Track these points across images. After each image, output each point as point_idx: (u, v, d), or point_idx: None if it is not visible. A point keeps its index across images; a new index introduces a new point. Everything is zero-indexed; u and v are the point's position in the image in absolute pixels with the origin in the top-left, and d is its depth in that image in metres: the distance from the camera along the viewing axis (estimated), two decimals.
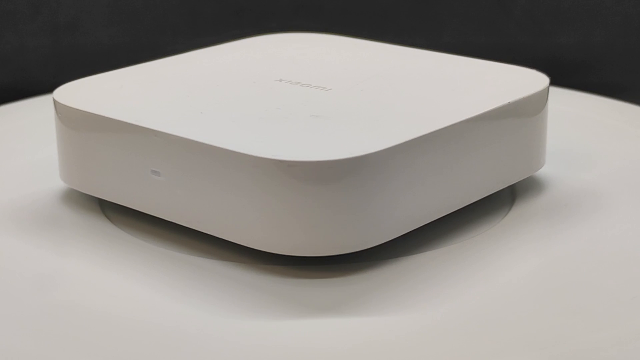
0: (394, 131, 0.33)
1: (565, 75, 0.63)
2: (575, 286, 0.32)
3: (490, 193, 0.36)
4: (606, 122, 0.46)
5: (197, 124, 0.34)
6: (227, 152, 0.31)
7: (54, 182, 0.39)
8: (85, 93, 0.37)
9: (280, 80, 0.38)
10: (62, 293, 0.32)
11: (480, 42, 0.63)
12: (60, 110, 0.36)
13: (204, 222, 0.33)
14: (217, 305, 0.31)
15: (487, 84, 0.38)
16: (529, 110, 0.36)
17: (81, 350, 0.29)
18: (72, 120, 0.36)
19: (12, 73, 0.63)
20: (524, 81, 0.38)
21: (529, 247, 0.35)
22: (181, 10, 0.63)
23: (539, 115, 0.37)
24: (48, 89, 0.53)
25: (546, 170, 0.39)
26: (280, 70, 0.40)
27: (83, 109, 0.35)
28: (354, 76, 0.39)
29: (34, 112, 0.48)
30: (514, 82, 0.38)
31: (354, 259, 0.33)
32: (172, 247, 0.34)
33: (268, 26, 0.60)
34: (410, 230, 0.33)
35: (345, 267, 0.33)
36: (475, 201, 0.36)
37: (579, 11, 0.63)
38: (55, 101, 0.37)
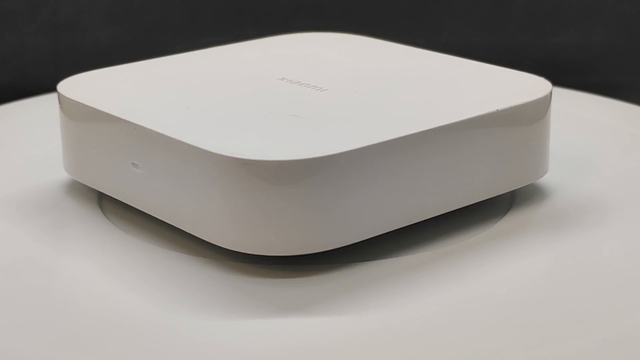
0: (368, 133, 0.33)
1: (565, 75, 0.63)
2: (554, 297, 0.32)
3: (481, 200, 0.35)
4: (606, 122, 0.46)
5: (175, 119, 0.34)
6: (192, 147, 0.32)
7: (52, 178, 0.39)
8: (86, 86, 0.38)
9: (282, 79, 0.38)
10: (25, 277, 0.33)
11: (480, 42, 0.63)
12: (62, 101, 0.37)
13: (176, 217, 0.34)
14: (178, 301, 0.31)
15: (486, 89, 0.37)
16: (526, 117, 0.36)
17: (29, 334, 0.30)
18: (70, 112, 0.37)
19: (12, 73, 0.63)
20: (524, 88, 0.37)
21: (511, 256, 0.34)
22: (181, 10, 0.63)
23: (540, 122, 0.36)
24: (48, 88, 0.53)
25: (546, 175, 0.39)
26: (286, 69, 0.40)
27: (79, 101, 0.36)
28: (358, 77, 0.38)
29: (34, 112, 0.48)
30: (512, 89, 0.37)
31: (335, 259, 0.33)
32: (159, 243, 0.35)
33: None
34: (381, 233, 0.33)
35: (319, 268, 0.33)
36: (469, 206, 0.35)
37: (579, 11, 0.63)
38: (58, 93, 0.37)
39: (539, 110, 0.36)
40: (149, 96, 0.37)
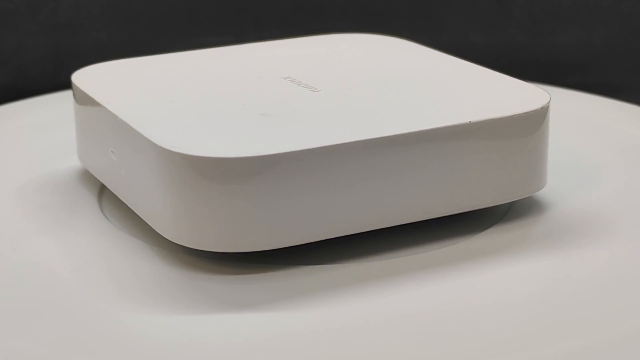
0: (328, 134, 0.32)
1: (565, 75, 0.63)
2: (498, 311, 0.31)
3: (464, 211, 0.35)
4: (606, 122, 0.46)
5: (151, 112, 0.35)
6: (145, 139, 0.32)
7: (53, 178, 0.39)
8: (95, 76, 0.39)
9: (286, 78, 0.38)
10: None
11: (480, 41, 0.63)
12: (74, 89, 0.39)
13: (137, 207, 0.34)
14: (124, 293, 0.32)
15: (479, 98, 0.36)
16: (516, 129, 0.35)
17: None
18: (78, 99, 0.38)
19: (11, 73, 0.63)
20: (519, 99, 0.36)
21: (469, 268, 0.33)
22: (181, 10, 0.63)
23: (533, 135, 0.35)
24: (47, 88, 0.53)
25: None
26: (299, 69, 0.39)
27: (82, 88, 0.38)
28: (362, 79, 0.38)
29: (34, 112, 0.48)
30: (506, 100, 0.36)
31: (299, 260, 0.33)
32: (134, 234, 0.35)
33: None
34: (332, 237, 0.33)
35: (277, 267, 0.33)
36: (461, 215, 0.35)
37: (579, 11, 0.63)
38: (72, 81, 0.39)
39: (531, 123, 0.35)
40: (145, 88, 0.38)
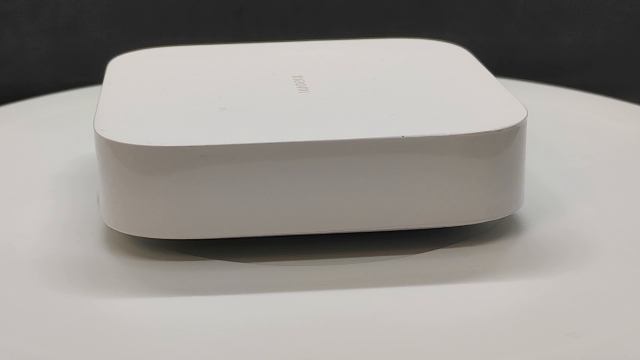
0: (254, 133, 0.32)
1: (565, 75, 0.63)
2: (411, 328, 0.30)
3: (412, 228, 0.33)
4: (606, 122, 0.46)
5: (127, 99, 0.36)
6: (96, 125, 0.34)
7: (53, 179, 0.39)
8: (127, 62, 0.41)
9: (296, 77, 0.38)
10: None
11: (481, 41, 0.63)
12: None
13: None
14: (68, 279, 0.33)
15: (448, 111, 0.35)
16: (460, 150, 0.33)
17: None
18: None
19: (12, 73, 0.63)
20: (489, 116, 0.34)
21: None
22: (181, 10, 0.63)
23: (499, 156, 0.33)
24: (48, 89, 0.53)
25: (534, 182, 0.39)
26: (318, 69, 0.39)
27: (106, 73, 0.39)
28: (364, 84, 0.38)
29: (34, 113, 0.48)
30: (476, 116, 0.34)
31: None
32: None
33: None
34: (253, 235, 0.33)
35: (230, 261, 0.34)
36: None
37: (580, 11, 0.63)
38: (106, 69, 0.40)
39: (482, 145, 0.33)
40: (150, 77, 0.38)
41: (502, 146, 0.33)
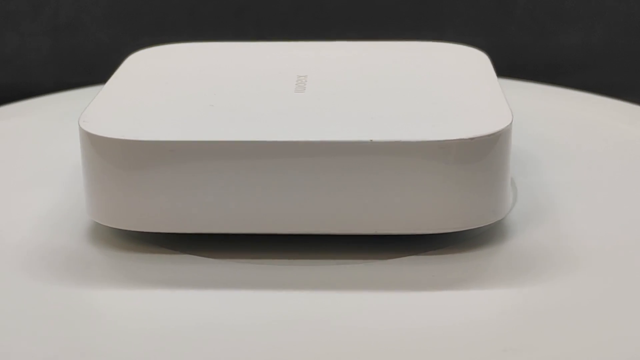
0: (232, 130, 0.33)
1: (565, 75, 0.63)
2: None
3: (370, 234, 0.33)
4: (606, 122, 0.46)
5: (128, 92, 0.37)
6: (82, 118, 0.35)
7: (55, 178, 0.39)
8: (142, 59, 0.41)
9: (301, 77, 0.38)
10: None
11: (481, 42, 0.63)
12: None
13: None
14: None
15: (429, 116, 0.34)
16: (427, 156, 0.32)
17: None
18: None
19: (13, 73, 0.63)
20: (464, 122, 0.33)
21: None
22: (181, 10, 0.63)
23: (472, 165, 0.32)
24: (48, 89, 0.53)
25: (532, 183, 0.38)
26: (323, 70, 0.39)
27: (120, 69, 0.40)
28: (366, 86, 0.37)
29: (34, 112, 0.48)
30: (453, 120, 0.33)
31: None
32: None
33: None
34: (220, 232, 0.33)
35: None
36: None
37: (580, 11, 0.63)
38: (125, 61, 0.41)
39: (463, 151, 0.32)
40: (164, 72, 0.39)
41: (478, 154, 0.32)
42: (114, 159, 0.33)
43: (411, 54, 0.41)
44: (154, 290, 0.32)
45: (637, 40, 0.63)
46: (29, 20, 0.62)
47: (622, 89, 0.60)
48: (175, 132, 0.33)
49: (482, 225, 0.33)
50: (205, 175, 0.32)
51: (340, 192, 0.32)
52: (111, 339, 0.30)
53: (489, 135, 0.32)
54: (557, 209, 0.37)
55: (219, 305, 0.32)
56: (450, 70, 0.39)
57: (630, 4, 0.63)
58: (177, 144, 0.32)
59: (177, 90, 0.37)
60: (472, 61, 0.41)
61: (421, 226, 0.33)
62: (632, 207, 0.37)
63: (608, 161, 0.42)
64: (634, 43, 0.64)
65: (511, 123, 0.33)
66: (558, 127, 0.45)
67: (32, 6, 0.62)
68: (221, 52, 0.42)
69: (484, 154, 0.32)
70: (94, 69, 0.63)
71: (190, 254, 0.34)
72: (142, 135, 0.32)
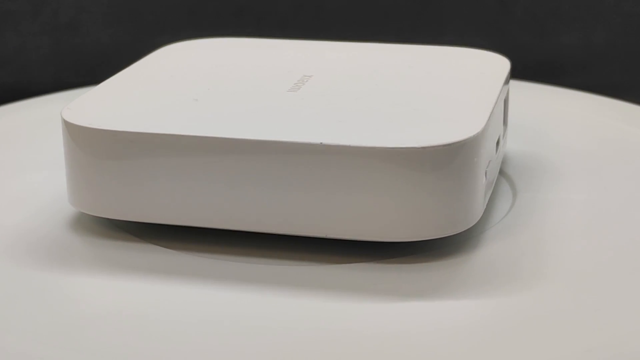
0: (193, 125, 0.33)
1: (565, 75, 0.63)
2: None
3: (320, 236, 0.33)
4: (606, 122, 0.46)
5: (131, 84, 0.38)
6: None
7: (57, 182, 0.39)
8: (166, 53, 0.42)
9: (305, 77, 0.38)
10: None
11: (482, 42, 0.63)
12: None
13: None
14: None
15: (404, 119, 0.33)
16: (381, 162, 0.31)
17: None
18: None
19: (13, 73, 0.63)
20: (428, 129, 0.32)
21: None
22: (181, 10, 0.63)
23: (441, 172, 0.31)
24: (48, 89, 0.53)
25: (527, 185, 0.38)
26: (332, 70, 0.39)
27: (139, 62, 0.40)
28: (362, 88, 0.37)
29: (34, 112, 0.48)
30: (421, 127, 0.33)
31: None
32: None
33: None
34: (178, 224, 0.34)
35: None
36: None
37: (580, 11, 0.63)
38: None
39: (428, 159, 0.31)
40: (175, 69, 0.40)
41: (436, 164, 0.31)
42: (84, 145, 0.34)
43: (424, 59, 0.41)
44: (127, 276, 0.33)
45: (637, 40, 0.64)
46: (29, 20, 0.62)
47: (622, 89, 0.60)
48: (142, 123, 0.33)
49: (439, 237, 0.32)
50: (166, 167, 0.33)
51: (287, 192, 0.32)
52: (89, 323, 0.30)
53: (445, 146, 0.31)
54: (545, 220, 0.36)
55: (188, 295, 0.32)
56: (454, 77, 0.38)
57: (631, 4, 0.63)
58: (137, 135, 0.33)
59: (178, 85, 0.38)
60: (484, 68, 0.40)
61: (370, 233, 0.32)
62: (629, 213, 0.38)
63: (608, 161, 0.42)
64: (634, 43, 0.64)
65: (478, 134, 0.32)
66: (558, 127, 0.45)
67: (32, 6, 0.62)
68: (261, 48, 0.42)
69: (444, 163, 0.31)
70: (94, 69, 0.63)
71: (162, 246, 0.34)
72: (108, 125, 0.33)
